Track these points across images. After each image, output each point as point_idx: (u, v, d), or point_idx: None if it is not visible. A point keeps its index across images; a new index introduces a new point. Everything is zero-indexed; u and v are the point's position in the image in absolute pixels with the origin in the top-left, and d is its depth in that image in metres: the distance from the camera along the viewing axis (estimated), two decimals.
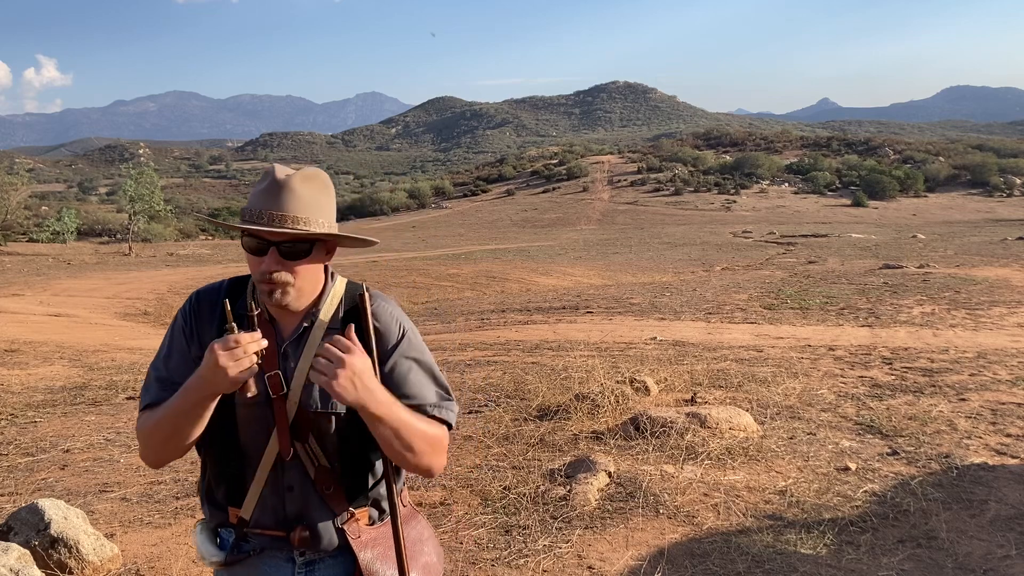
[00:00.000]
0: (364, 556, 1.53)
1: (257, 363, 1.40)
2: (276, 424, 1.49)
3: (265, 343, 1.41)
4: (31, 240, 46.03)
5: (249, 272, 1.56)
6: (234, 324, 1.40)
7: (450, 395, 1.60)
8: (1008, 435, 5.28)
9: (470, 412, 6.16)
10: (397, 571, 1.53)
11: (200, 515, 1.65)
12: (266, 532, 1.54)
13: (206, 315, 1.56)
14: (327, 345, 1.40)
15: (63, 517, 3.53)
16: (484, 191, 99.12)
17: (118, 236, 47.88)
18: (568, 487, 4.32)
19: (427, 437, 1.51)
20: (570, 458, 4.79)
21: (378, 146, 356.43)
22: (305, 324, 1.54)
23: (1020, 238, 31.86)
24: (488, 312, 14.31)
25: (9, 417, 6.54)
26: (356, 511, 1.56)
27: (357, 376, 1.38)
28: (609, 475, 4.48)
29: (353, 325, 1.48)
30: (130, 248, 40.49)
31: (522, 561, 3.52)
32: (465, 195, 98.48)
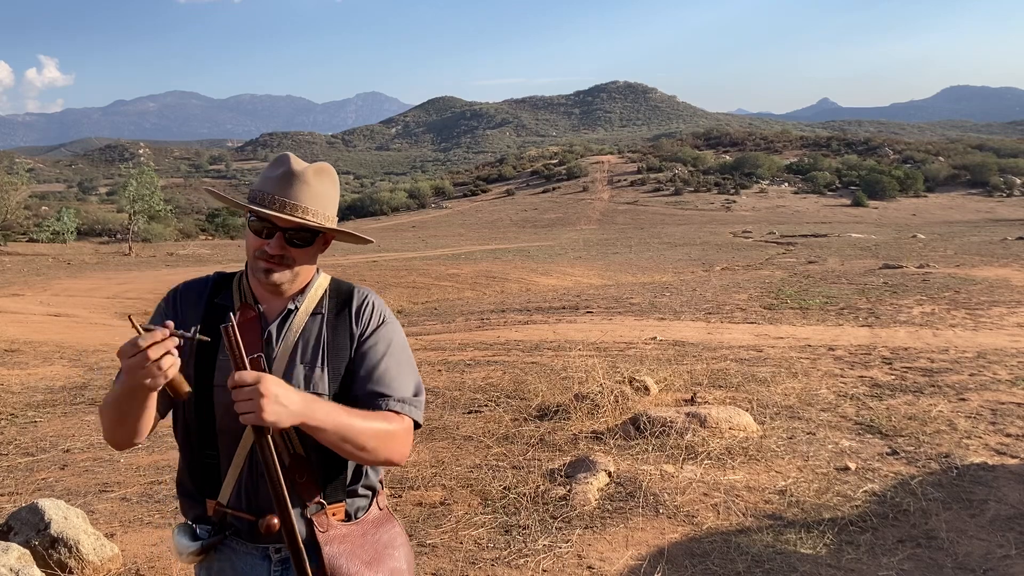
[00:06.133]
0: (328, 550, 1.51)
1: (163, 361, 1.30)
2: None
3: (172, 341, 1.32)
4: (31, 240, 46.02)
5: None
6: (139, 327, 1.32)
7: (420, 392, 1.60)
8: (1008, 435, 5.29)
9: (470, 412, 6.16)
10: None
11: (181, 518, 1.64)
12: (239, 513, 1.53)
13: (192, 300, 1.62)
14: (235, 376, 1.34)
15: (63, 517, 3.53)
16: (484, 191, 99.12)
17: (118, 236, 47.91)
18: (568, 487, 4.32)
19: (378, 434, 1.48)
20: (570, 458, 4.79)
21: (378, 146, 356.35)
22: (290, 307, 1.59)
23: (1020, 238, 31.82)
24: (488, 312, 14.30)
25: (9, 417, 6.55)
26: (331, 506, 1.55)
27: (279, 398, 1.34)
28: (609, 475, 4.48)
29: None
30: (130, 248, 40.49)
31: (522, 561, 3.52)
32: (465, 195, 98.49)
